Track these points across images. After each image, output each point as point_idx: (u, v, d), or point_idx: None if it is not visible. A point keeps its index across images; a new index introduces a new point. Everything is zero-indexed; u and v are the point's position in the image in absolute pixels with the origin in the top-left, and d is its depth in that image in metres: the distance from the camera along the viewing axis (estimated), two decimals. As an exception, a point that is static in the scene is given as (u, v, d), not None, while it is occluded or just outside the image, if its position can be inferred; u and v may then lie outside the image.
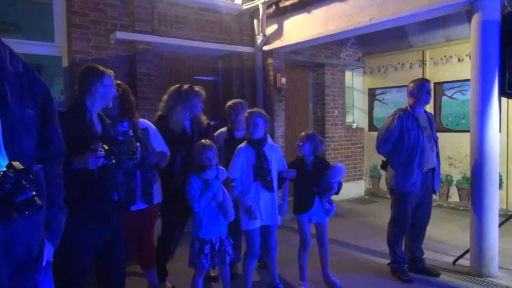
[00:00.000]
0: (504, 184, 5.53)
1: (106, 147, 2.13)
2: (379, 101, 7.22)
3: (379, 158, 3.87)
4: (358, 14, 4.48)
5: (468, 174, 3.90)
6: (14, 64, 1.33)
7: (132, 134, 2.60)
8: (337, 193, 3.25)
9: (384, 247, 3.75)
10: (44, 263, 1.42)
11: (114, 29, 4.56)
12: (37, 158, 1.38)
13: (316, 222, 3.32)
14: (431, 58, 6.38)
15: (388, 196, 3.87)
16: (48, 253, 1.46)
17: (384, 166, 3.76)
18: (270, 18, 5.65)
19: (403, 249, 3.64)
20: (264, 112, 3.17)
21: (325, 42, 5.54)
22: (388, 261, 3.71)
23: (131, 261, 3.34)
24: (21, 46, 3.99)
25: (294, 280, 3.43)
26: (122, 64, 4.66)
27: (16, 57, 1.36)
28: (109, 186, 2.28)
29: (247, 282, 3.14)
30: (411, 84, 3.59)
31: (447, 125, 6.20)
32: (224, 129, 3.73)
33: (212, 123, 3.64)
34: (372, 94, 7.33)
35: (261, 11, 5.49)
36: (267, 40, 5.66)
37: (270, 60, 5.75)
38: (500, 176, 4.91)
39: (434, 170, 3.58)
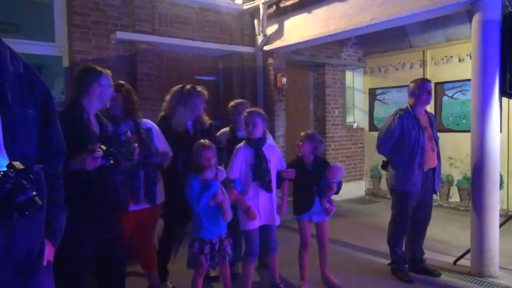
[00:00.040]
0: (505, 184, 5.52)
1: (104, 148, 2.13)
2: (380, 101, 7.22)
3: (380, 158, 3.86)
4: (359, 14, 4.48)
5: (469, 174, 3.90)
6: (14, 64, 1.33)
7: (130, 134, 2.60)
8: (337, 192, 3.25)
9: (385, 247, 3.75)
10: (44, 263, 1.42)
11: (114, 29, 4.57)
12: (38, 158, 1.38)
13: (316, 222, 3.33)
14: (432, 58, 6.38)
15: (389, 196, 3.86)
16: (49, 253, 1.46)
17: (384, 166, 3.76)
18: (271, 18, 5.65)
19: (403, 249, 3.64)
20: (263, 112, 3.17)
21: (326, 42, 5.53)
22: (388, 261, 3.71)
23: (132, 261, 3.35)
24: (21, 46, 3.99)
25: (295, 280, 3.43)
26: (122, 64, 4.66)
27: (16, 57, 1.36)
28: (108, 186, 2.27)
29: (247, 282, 3.13)
30: (412, 84, 3.59)
31: (447, 125, 6.20)
32: (226, 129, 3.74)
33: (214, 123, 3.65)
34: (372, 94, 7.33)
35: (261, 11, 5.49)
36: (268, 40, 5.66)
37: (270, 60, 5.76)
38: (501, 176, 4.91)
39: (435, 170, 3.57)
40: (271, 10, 5.61)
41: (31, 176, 1.18)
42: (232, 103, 3.73)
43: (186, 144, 3.10)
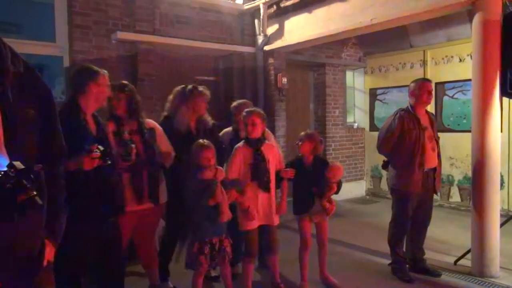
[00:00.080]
0: (506, 184, 5.51)
1: (101, 148, 2.12)
2: (380, 101, 7.21)
3: (380, 158, 3.86)
4: (359, 14, 4.48)
5: (470, 174, 3.89)
6: (15, 64, 1.33)
7: (128, 135, 2.60)
8: (337, 192, 3.24)
9: (385, 247, 3.74)
10: (45, 263, 1.42)
11: (115, 29, 4.57)
12: (38, 158, 1.38)
13: (316, 222, 3.32)
14: (432, 58, 6.37)
15: (389, 196, 3.86)
16: (49, 253, 1.46)
17: (385, 166, 3.75)
18: (271, 18, 5.65)
19: (404, 249, 3.64)
20: (262, 112, 3.17)
21: (326, 42, 5.53)
22: (388, 261, 3.71)
23: (132, 261, 3.35)
24: (22, 46, 3.99)
25: (295, 280, 3.43)
26: (123, 64, 4.67)
27: (17, 57, 1.36)
28: (106, 186, 2.27)
29: (247, 282, 3.13)
30: (412, 84, 3.59)
31: (448, 125, 6.19)
32: (229, 129, 3.74)
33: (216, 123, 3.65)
34: (373, 94, 7.32)
35: (262, 11, 5.49)
36: (268, 40, 5.66)
37: (271, 60, 5.76)
38: (502, 176, 4.91)
39: (435, 170, 3.57)
40: (272, 10, 5.61)
41: (32, 176, 1.18)
42: (235, 103, 3.73)
43: (189, 144, 3.11)
